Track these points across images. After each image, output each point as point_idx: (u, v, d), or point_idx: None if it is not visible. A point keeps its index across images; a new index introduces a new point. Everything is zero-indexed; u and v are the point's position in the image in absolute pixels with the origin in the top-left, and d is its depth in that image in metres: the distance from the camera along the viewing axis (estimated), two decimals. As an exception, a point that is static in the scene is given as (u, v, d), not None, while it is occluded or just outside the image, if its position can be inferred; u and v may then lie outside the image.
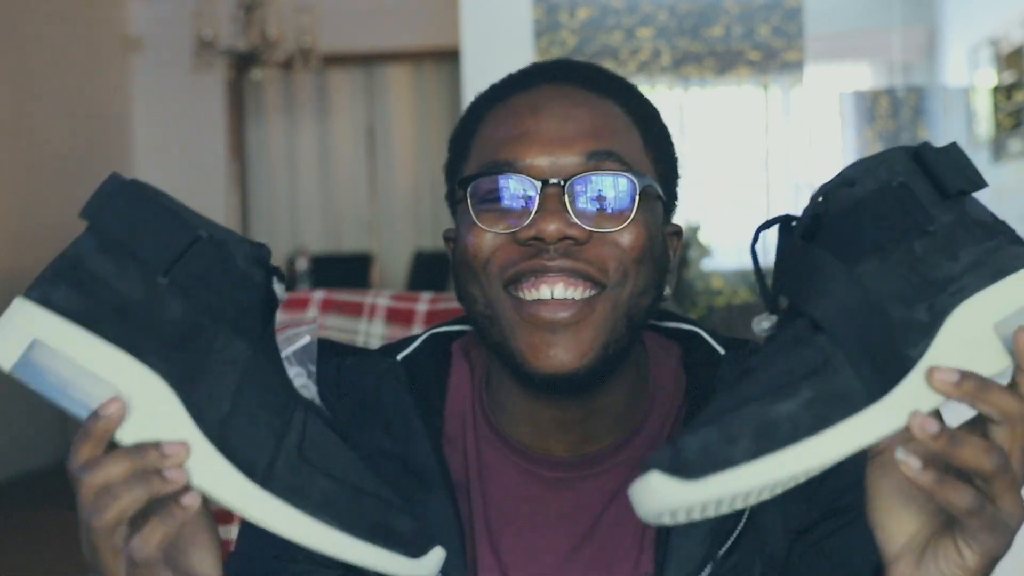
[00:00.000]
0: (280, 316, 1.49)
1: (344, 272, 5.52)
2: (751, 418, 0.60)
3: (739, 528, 0.83)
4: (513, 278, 0.80)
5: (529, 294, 0.80)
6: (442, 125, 6.38)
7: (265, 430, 0.66)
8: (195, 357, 0.65)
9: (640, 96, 0.90)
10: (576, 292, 0.80)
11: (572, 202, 0.80)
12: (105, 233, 0.69)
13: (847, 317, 0.63)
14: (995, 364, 0.64)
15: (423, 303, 1.50)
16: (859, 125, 4.83)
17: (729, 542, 0.82)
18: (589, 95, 0.87)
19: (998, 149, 4.67)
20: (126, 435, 0.64)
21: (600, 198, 0.81)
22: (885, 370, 0.62)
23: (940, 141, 0.71)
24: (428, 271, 5.64)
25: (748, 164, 3.33)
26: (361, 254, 5.95)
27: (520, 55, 2.85)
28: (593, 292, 0.80)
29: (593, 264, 0.80)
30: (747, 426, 0.60)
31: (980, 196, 0.70)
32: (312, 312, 1.50)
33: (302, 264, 5.18)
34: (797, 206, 3.45)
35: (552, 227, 0.78)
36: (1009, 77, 4.62)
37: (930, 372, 0.62)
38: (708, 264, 3.33)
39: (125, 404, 0.64)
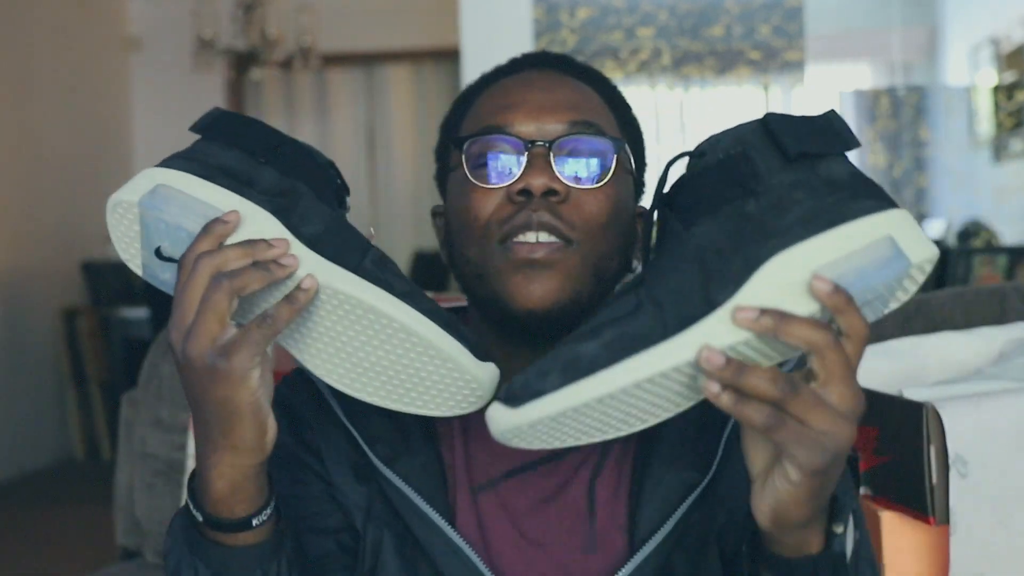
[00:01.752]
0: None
1: (344, 272, 5.51)
2: (561, 356, 0.72)
3: (703, 484, 0.91)
4: (507, 234, 0.90)
5: (515, 239, 0.90)
6: (442, 125, 6.38)
7: (351, 246, 0.80)
8: (289, 202, 0.80)
9: (614, 87, 1.02)
10: (553, 238, 0.90)
11: (556, 161, 0.90)
12: (212, 137, 0.83)
13: (665, 270, 0.73)
14: (805, 308, 0.68)
15: (423, 303, 1.50)
16: (860, 124, 4.83)
17: (693, 496, 0.90)
18: (570, 78, 0.98)
19: (999, 148, 4.66)
20: (237, 240, 0.77)
21: (580, 159, 0.92)
22: (689, 314, 0.70)
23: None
24: (428, 271, 5.64)
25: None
26: (361, 254, 5.94)
27: (520, 55, 2.84)
28: (565, 244, 0.90)
29: (566, 222, 0.90)
30: (557, 363, 0.71)
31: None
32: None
33: (302, 264, 5.18)
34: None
35: (538, 181, 0.89)
36: (1010, 77, 4.61)
37: (735, 311, 0.68)
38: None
39: (240, 216, 0.77)
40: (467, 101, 1.01)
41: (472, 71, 2.74)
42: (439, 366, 0.79)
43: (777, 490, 0.72)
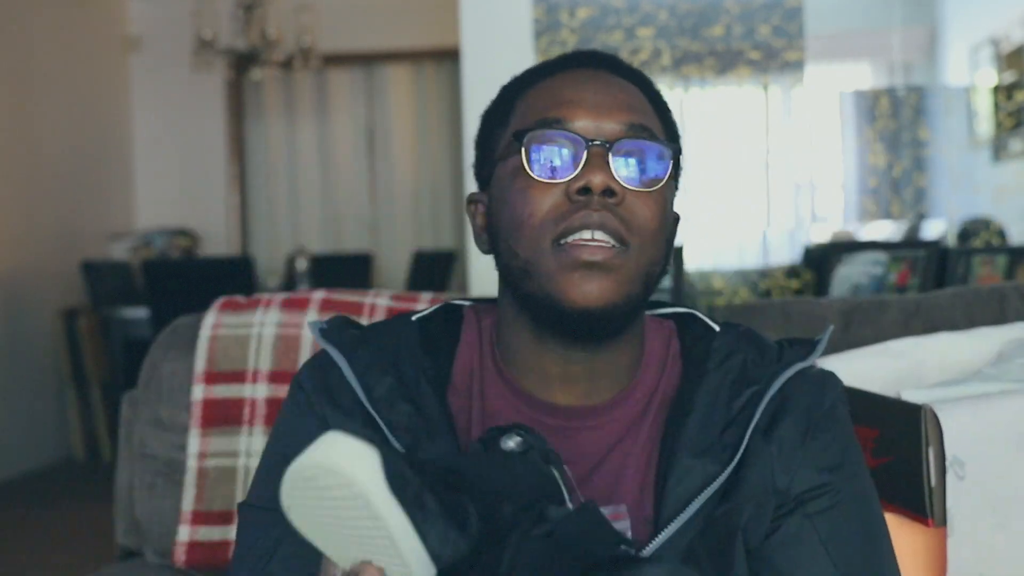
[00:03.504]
0: (280, 316, 1.49)
1: (344, 272, 5.52)
2: None
3: (724, 475, 0.91)
4: (562, 233, 0.90)
5: (572, 238, 0.90)
6: (442, 125, 6.37)
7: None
8: None
9: (658, 91, 1.02)
10: (610, 240, 0.91)
11: (613, 162, 0.91)
12: None
13: None
14: None
15: (423, 303, 1.50)
16: (859, 125, 4.82)
17: (714, 486, 0.90)
18: (622, 80, 0.99)
19: (998, 149, 4.66)
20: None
21: (638, 162, 0.92)
22: None
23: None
24: (428, 271, 5.64)
25: (748, 164, 3.33)
26: (361, 254, 5.94)
27: (520, 55, 2.84)
28: (622, 248, 0.91)
29: (623, 223, 0.91)
30: None
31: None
32: (312, 312, 1.50)
33: (302, 264, 5.18)
34: (797, 206, 3.45)
35: (598, 179, 0.89)
36: (1010, 77, 4.62)
37: None
38: (708, 264, 3.32)
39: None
40: (516, 93, 1.00)
41: (472, 71, 2.74)
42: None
43: None
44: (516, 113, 0.98)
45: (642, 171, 0.92)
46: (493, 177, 0.98)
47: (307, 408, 0.97)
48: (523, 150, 0.92)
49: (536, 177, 0.91)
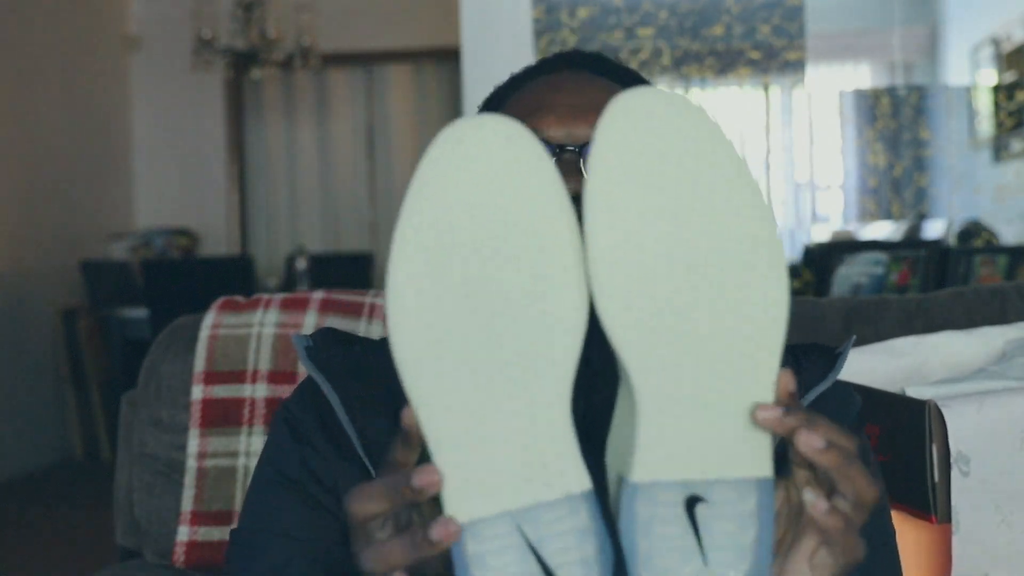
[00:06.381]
0: (279, 316, 1.48)
1: (344, 272, 5.51)
2: None
3: None
4: None
5: None
6: (442, 125, 6.31)
7: None
8: None
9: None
10: None
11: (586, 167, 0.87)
12: None
13: None
14: None
15: (423, 302, 1.50)
16: (860, 124, 4.82)
17: None
18: (602, 79, 0.96)
19: (999, 148, 4.66)
20: None
21: None
22: None
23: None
24: (428, 271, 5.63)
25: (748, 164, 3.32)
26: (361, 254, 5.94)
27: (520, 55, 2.84)
28: None
29: None
30: None
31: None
32: (312, 312, 1.49)
33: (301, 264, 5.17)
34: (797, 206, 3.45)
35: (568, 187, 0.84)
36: (1010, 76, 4.62)
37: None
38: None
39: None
40: (496, 103, 0.98)
41: (472, 71, 2.74)
42: None
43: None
44: None
45: None
46: None
47: (300, 439, 0.92)
48: None
49: None
